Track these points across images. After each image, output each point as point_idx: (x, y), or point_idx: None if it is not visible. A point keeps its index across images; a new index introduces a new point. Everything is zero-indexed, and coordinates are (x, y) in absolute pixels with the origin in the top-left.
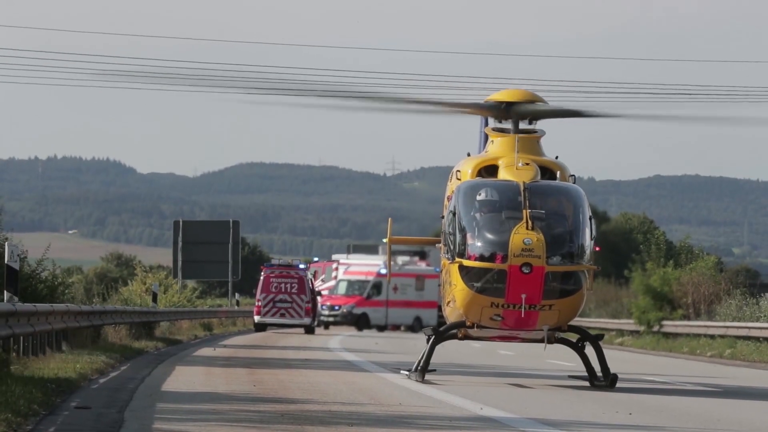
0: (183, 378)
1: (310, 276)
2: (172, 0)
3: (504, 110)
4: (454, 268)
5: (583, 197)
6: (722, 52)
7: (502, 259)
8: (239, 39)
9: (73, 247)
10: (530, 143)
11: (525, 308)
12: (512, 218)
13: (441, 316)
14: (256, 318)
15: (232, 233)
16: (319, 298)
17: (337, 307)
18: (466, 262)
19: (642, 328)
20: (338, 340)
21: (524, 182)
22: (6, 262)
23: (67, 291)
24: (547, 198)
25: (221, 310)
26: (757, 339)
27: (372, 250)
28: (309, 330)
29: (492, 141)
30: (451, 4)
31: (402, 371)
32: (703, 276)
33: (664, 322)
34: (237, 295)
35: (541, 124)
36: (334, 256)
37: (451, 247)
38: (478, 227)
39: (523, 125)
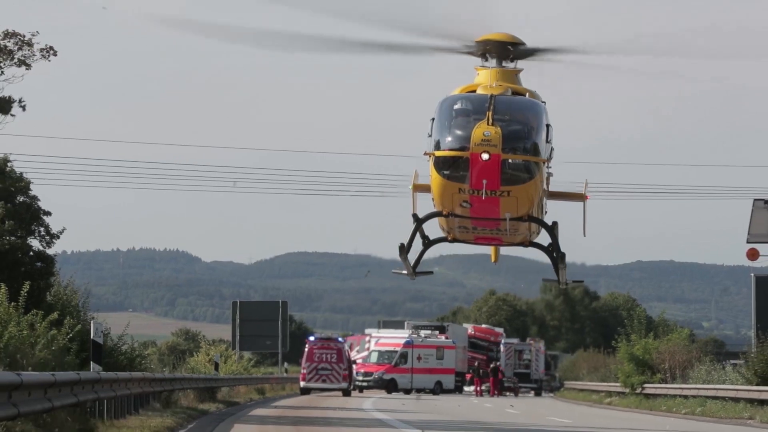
0: None
1: (347, 347)
2: (232, 120)
3: (491, 49)
4: (431, 163)
5: (542, 109)
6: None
7: (467, 150)
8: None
9: (149, 325)
10: (509, 75)
11: (486, 193)
12: (478, 119)
13: (458, 381)
14: (302, 383)
15: (281, 312)
16: (354, 366)
17: (369, 374)
18: (438, 153)
19: (627, 390)
20: (371, 402)
21: (493, 94)
22: (92, 337)
23: (143, 361)
24: (510, 106)
25: (272, 377)
26: (723, 398)
27: (399, 325)
28: (346, 393)
29: (478, 74)
30: None
31: (394, 271)
32: (677, 346)
33: (646, 385)
34: (286, 364)
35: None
36: (367, 330)
37: (429, 148)
38: (450, 127)
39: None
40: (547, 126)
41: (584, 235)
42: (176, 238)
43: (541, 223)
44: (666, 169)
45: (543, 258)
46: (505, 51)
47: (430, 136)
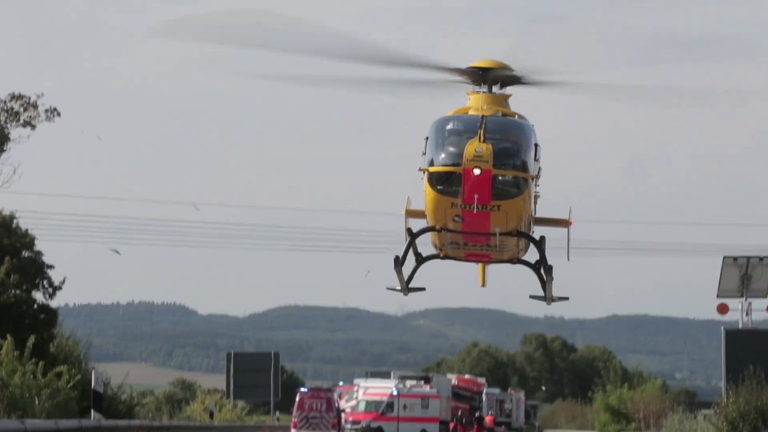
0: None
1: (336, 397)
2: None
3: (481, 75)
4: (425, 179)
5: (530, 129)
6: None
7: (460, 165)
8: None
9: (147, 375)
10: (499, 99)
11: (478, 208)
12: (470, 137)
13: (442, 429)
14: (293, 431)
15: (273, 362)
16: (343, 414)
17: (358, 422)
18: (431, 168)
19: None
20: None
21: (484, 115)
22: (93, 387)
23: (141, 409)
24: (500, 125)
25: (265, 425)
26: None
27: (386, 375)
28: None
29: (470, 98)
30: None
31: (389, 287)
32: (651, 396)
33: None
34: (277, 412)
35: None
36: (356, 380)
37: (423, 165)
38: (443, 145)
39: (495, 89)
40: (536, 145)
41: (568, 259)
42: (174, 291)
43: (529, 238)
44: (640, 227)
45: (523, 310)
46: (495, 77)
47: (424, 154)
